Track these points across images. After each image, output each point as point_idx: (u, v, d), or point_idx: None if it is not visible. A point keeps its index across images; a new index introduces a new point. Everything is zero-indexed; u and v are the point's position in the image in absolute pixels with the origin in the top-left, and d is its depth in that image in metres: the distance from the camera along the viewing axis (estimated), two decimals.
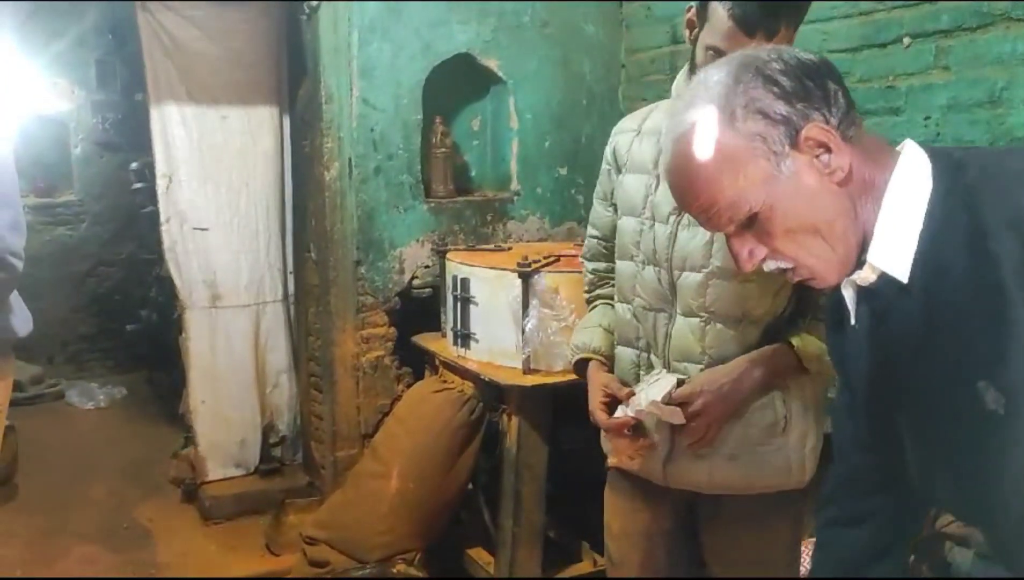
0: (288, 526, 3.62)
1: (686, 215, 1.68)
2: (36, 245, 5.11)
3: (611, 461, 1.95)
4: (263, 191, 4.00)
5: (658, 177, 1.78)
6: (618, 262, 1.90)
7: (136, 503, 4.12)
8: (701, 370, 1.76)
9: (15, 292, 2.16)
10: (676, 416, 1.71)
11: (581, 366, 1.98)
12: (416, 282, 3.67)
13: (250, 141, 3.93)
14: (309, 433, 4.05)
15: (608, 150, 1.94)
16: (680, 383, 1.75)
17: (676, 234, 1.75)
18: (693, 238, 1.73)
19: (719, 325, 1.75)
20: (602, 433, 1.93)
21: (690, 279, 1.75)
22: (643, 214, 1.81)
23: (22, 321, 2.13)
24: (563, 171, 3.94)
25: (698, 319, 1.75)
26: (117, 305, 6.15)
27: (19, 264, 1.96)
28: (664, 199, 1.76)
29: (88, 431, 5.16)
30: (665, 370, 1.81)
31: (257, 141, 3.94)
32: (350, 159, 3.54)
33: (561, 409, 2.85)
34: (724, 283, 1.72)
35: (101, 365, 6.20)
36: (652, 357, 1.83)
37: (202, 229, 3.93)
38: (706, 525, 1.91)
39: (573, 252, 3.04)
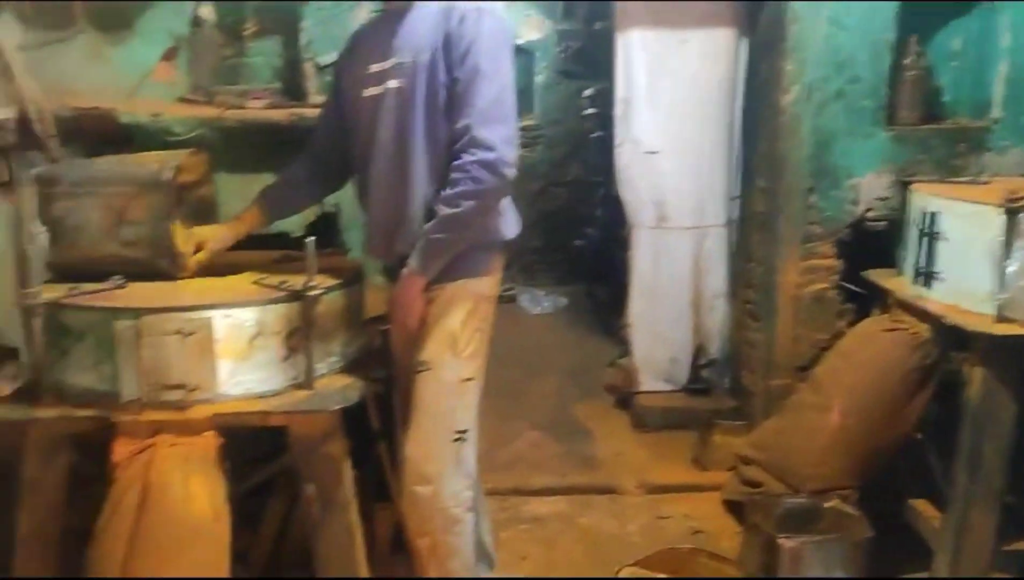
0: (715, 445, 3.71)
1: None
2: None
3: None
4: (714, 116, 4.02)
5: None
6: None
7: (575, 402, 4.51)
8: None
9: (508, 198, 2.39)
10: None
11: None
12: (870, 214, 3.47)
13: (706, 65, 3.96)
14: (740, 359, 4.07)
15: None
16: None
17: None
18: None
19: None
20: None
21: None
22: None
23: (511, 224, 2.36)
24: None
25: None
26: (564, 222, 6.67)
27: (511, 173, 2.15)
28: None
29: (535, 333, 5.72)
30: None
31: (713, 65, 3.96)
32: (810, 82, 3.41)
33: None
34: None
35: (548, 276, 6.78)
36: None
37: (653, 152, 4.07)
38: None
39: None
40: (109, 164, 2.31)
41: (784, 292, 3.57)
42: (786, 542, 2.49)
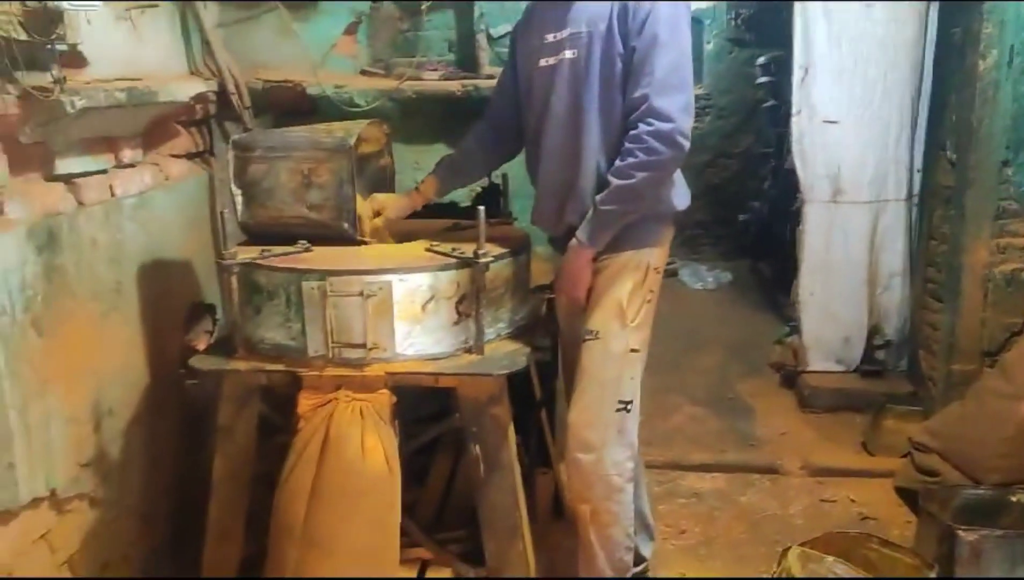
0: (887, 430, 3.55)
1: None
2: None
3: None
4: (899, 83, 3.80)
5: None
6: None
7: (738, 379, 4.41)
8: None
9: (678, 169, 2.35)
10: None
11: None
12: None
13: (892, 30, 3.74)
14: (919, 341, 3.86)
15: None
16: None
17: None
18: None
19: None
20: None
21: None
22: None
23: (682, 196, 2.33)
24: None
25: None
26: (731, 196, 6.49)
27: (686, 144, 2.12)
28: None
29: (697, 308, 5.62)
30: None
31: (900, 30, 3.74)
32: (1012, 46, 3.15)
33: None
34: None
35: (711, 250, 6.63)
36: None
37: (831, 122, 3.89)
38: None
39: None
40: (298, 132, 2.43)
41: (971, 272, 3.36)
42: (966, 534, 2.35)
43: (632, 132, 2.09)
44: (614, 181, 2.10)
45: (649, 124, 2.06)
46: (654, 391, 3.97)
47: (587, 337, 2.24)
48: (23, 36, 1.95)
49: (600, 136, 2.17)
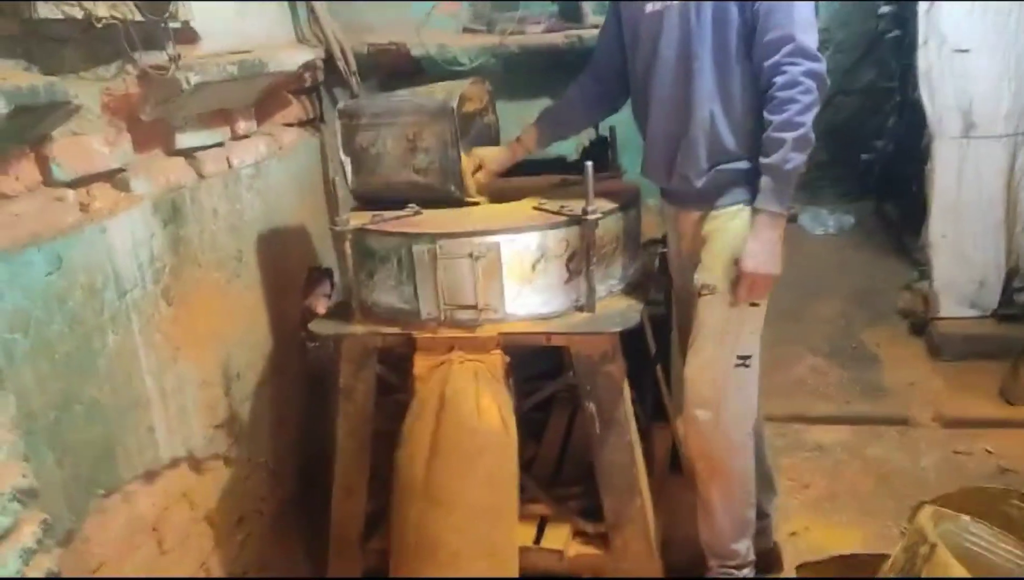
0: None
1: None
2: None
3: None
4: None
5: None
6: None
7: (863, 327, 4.23)
8: None
9: None
10: None
11: None
12: None
13: None
14: None
15: None
16: None
17: None
18: None
19: None
20: None
21: None
22: None
23: None
24: None
25: None
26: (852, 134, 6.16)
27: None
28: None
29: (818, 254, 5.39)
30: None
31: None
32: None
33: None
34: None
35: (832, 193, 6.33)
36: None
37: (962, 51, 3.63)
38: None
39: None
40: (401, 96, 2.44)
41: None
42: None
43: (781, 76, 1.96)
44: (785, 135, 1.97)
45: (798, 64, 1.94)
46: (774, 342, 3.82)
47: (703, 291, 2.18)
48: (139, 17, 2.01)
49: (713, 81, 2.08)
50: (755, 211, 2.07)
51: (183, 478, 2.31)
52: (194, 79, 2.16)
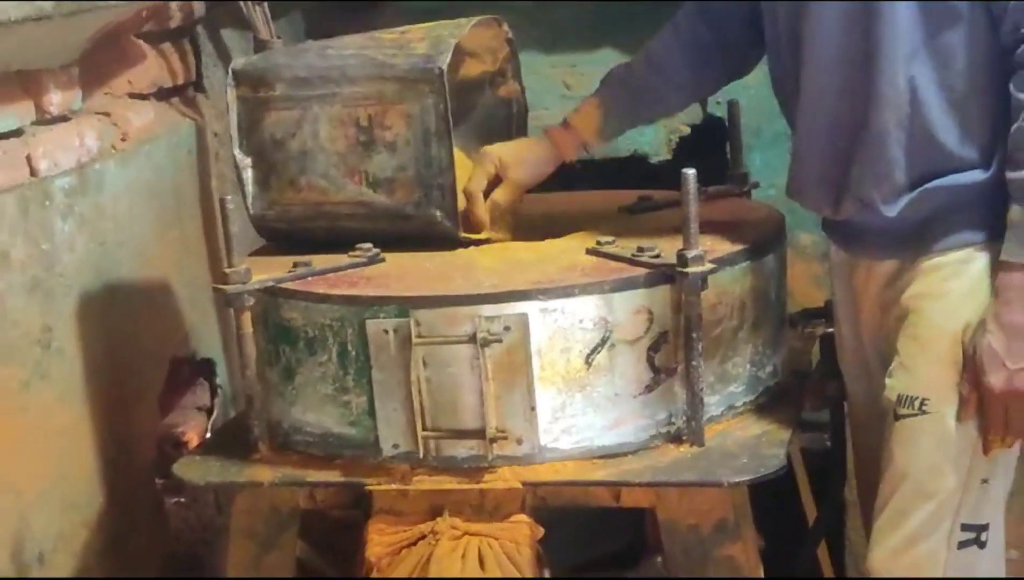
0: None
1: None
2: None
3: None
4: None
5: None
6: None
7: None
8: None
9: None
10: None
11: None
12: None
13: None
14: None
15: None
16: None
17: None
18: None
19: None
20: None
21: None
22: None
23: None
24: None
25: None
26: None
27: None
28: None
29: None
30: None
31: None
32: None
33: None
34: None
35: None
36: None
37: None
38: None
39: None
40: (348, 48, 1.81)
41: None
42: None
43: None
44: None
45: None
46: None
47: (904, 410, 1.52)
48: None
49: (917, 29, 1.50)
50: (1003, 266, 1.45)
51: None
52: None
